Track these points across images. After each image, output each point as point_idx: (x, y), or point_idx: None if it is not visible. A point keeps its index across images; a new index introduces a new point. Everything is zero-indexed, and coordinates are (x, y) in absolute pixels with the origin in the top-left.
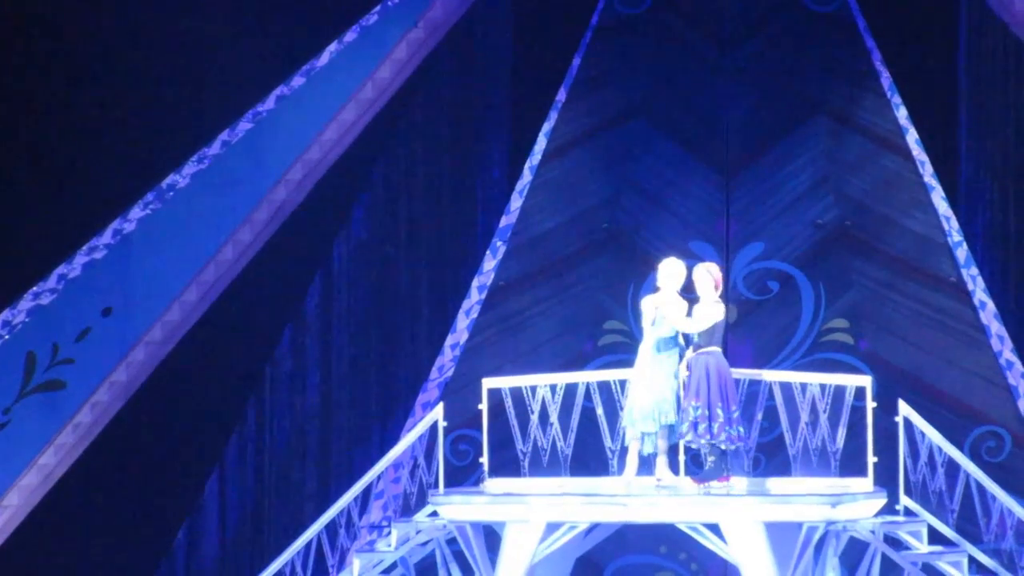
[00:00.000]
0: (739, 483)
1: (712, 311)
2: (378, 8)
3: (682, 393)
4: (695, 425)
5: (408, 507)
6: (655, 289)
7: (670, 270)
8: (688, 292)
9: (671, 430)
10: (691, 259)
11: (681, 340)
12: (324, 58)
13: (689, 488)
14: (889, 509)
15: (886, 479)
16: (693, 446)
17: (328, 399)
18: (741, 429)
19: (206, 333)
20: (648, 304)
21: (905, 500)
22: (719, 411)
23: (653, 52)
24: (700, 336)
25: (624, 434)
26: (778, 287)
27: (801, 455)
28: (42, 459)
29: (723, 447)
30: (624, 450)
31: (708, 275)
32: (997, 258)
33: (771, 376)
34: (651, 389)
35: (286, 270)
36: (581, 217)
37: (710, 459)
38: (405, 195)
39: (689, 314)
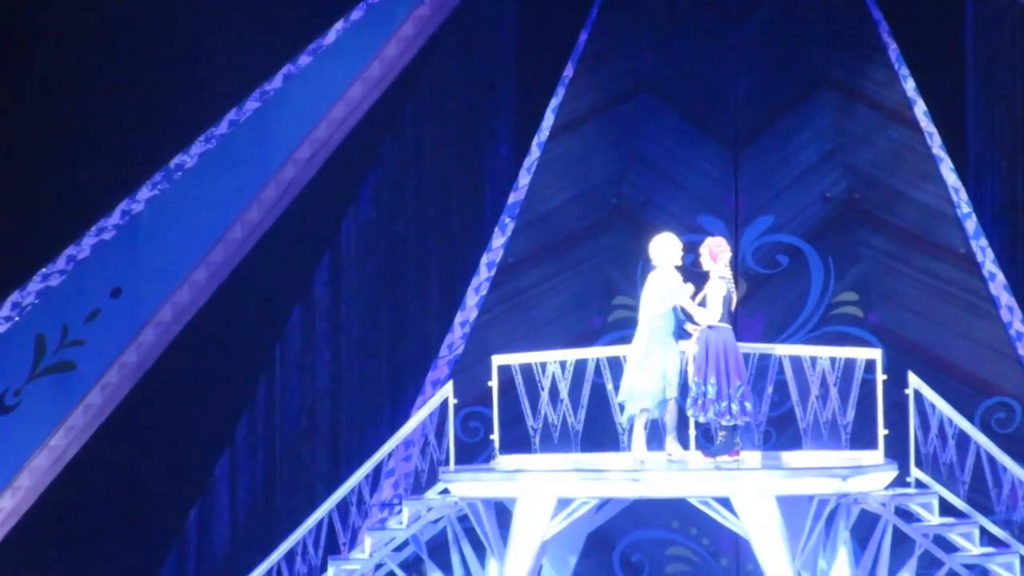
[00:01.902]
0: (749, 457)
1: (715, 288)
2: None
3: (691, 369)
4: (703, 401)
5: (419, 485)
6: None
7: (666, 247)
8: (696, 267)
9: (676, 405)
10: (700, 234)
11: (681, 314)
12: (331, 36)
13: (700, 463)
14: (900, 481)
15: (897, 451)
16: (701, 420)
17: (338, 378)
18: (748, 404)
19: (215, 313)
20: (658, 284)
21: (916, 472)
22: (727, 387)
23: (660, 26)
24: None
25: (623, 411)
26: (787, 261)
27: (812, 428)
28: (52, 441)
29: (725, 423)
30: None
31: (704, 250)
32: (1006, 229)
33: (781, 350)
34: (652, 365)
35: (295, 249)
36: (589, 193)
37: (721, 434)
38: (413, 173)
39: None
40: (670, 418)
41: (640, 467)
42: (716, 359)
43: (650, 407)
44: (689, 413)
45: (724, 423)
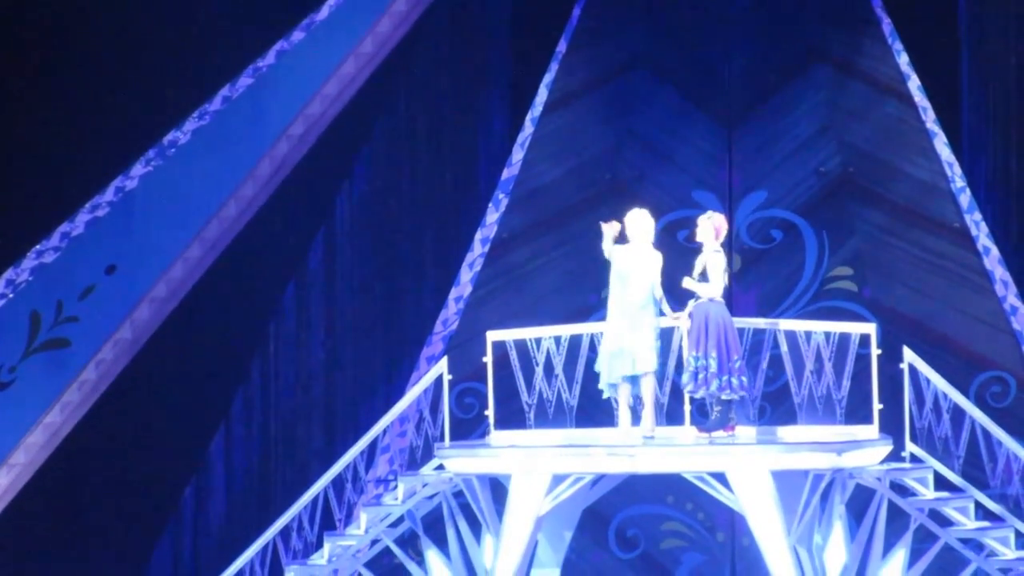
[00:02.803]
0: (744, 432)
1: (715, 261)
2: None
3: (685, 343)
4: (704, 375)
5: (414, 461)
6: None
7: (646, 222)
8: (690, 242)
9: (654, 380)
10: (694, 209)
11: (658, 292)
12: (323, 12)
13: (695, 438)
14: (895, 456)
15: (891, 426)
16: (696, 396)
17: (333, 354)
18: (744, 379)
19: (210, 290)
20: (650, 259)
21: (911, 447)
22: (727, 360)
23: (653, 1)
24: (686, 279)
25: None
26: (781, 236)
27: (806, 403)
28: (48, 418)
29: (726, 397)
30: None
31: (709, 224)
32: (1000, 203)
33: (776, 324)
34: (633, 337)
35: (289, 225)
36: (583, 168)
37: (716, 409)
38: (407, 149)
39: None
40: (648, 395)
41: (643, 441)
42: (717, 333)
43: (630, 374)
44: (688, 389)
45: (724, 397)
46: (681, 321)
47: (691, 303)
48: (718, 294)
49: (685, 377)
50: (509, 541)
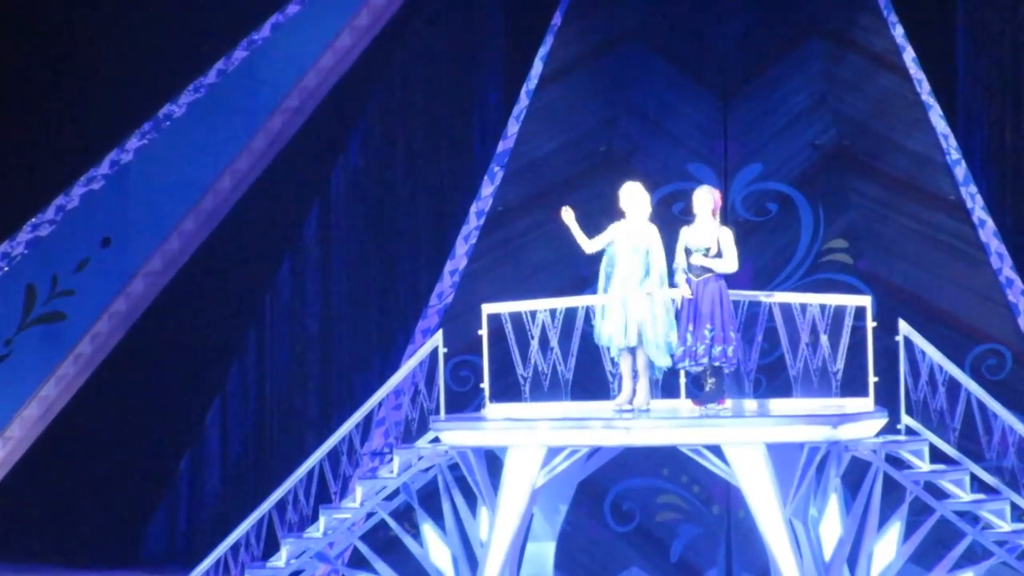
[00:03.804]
0: (737, 405)
1: (727, 237)
2: None
3: (690, 318)
4: (703, 346)
5: (410, 434)
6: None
7: (645, 197)
8: (686, 215)
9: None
10: (690, 182)
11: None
12: None
13: (689, 411)
14: (890, 429)
15: (887, 399)
16: (693, 371)
17: (328, 327)
18: (739, 352)
19: (205, 263)
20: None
21: (906, 419)
22: (722, 332)
23: None
24: (695, 256)
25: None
26: (776, 208)
27: (802, 376)
28: (43, 391)
29: (728, 369)
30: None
31: (710, 197)
32: (996, 175)
33: (771, 297)
34: (629, 311)
35: (284, 198)
36: (578, 141)
37: (710, 381)
38: (402, 122)
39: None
40: (643, 368)
41: (640, 413)
42: (712, 306)
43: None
44: (684, 365)
45: (721, 368)
46: (683, 292)
47: (691, 278)
48: (735, 268)
49: (679, 351)
50: (504, 514)
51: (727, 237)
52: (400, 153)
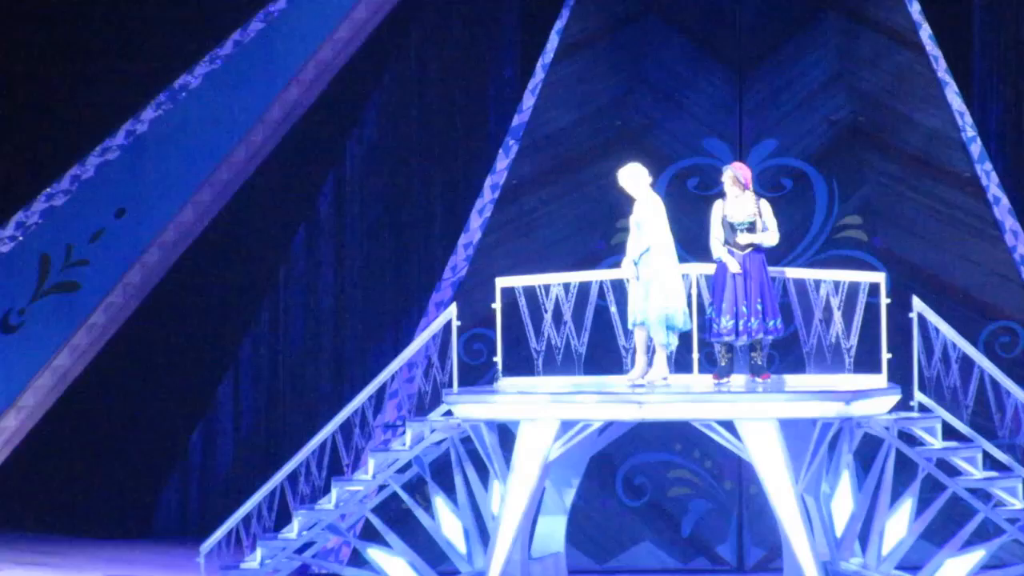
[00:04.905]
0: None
1: (768, 209)
2: None
3: (740, 292)
4: (757, 321)
5: (422, 406)
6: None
7: (626, 178)
8: (701, 190)
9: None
10: (705, 157)
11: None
12: None
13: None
14: (903, 405)
15: (900, 375)
16: (742, 343)
17: (342, 300)
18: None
19: (219, 234)
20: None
21: (919, 396)
22: (764, 307)
23: None
24: (743, 235)
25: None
26: (791, 184)
27: (815, 352)
28: (56, 360)
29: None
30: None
31: (743, 172)
32: (1011, 153)
33: (787, 273)
34: (674, 290)
35: (299, 171)
36: (594, 115)
37: (756, 354)
38: (417, 95)
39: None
40: (641, 342)
41: (655, 387)
42: (760, 279)
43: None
44: (742, 341)
45: (761, 338)
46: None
47: (735, 251)
48: (778, 240)
49: (729, 325)
50: (516, 487)
51: (769, 209)
52: (415, 126)
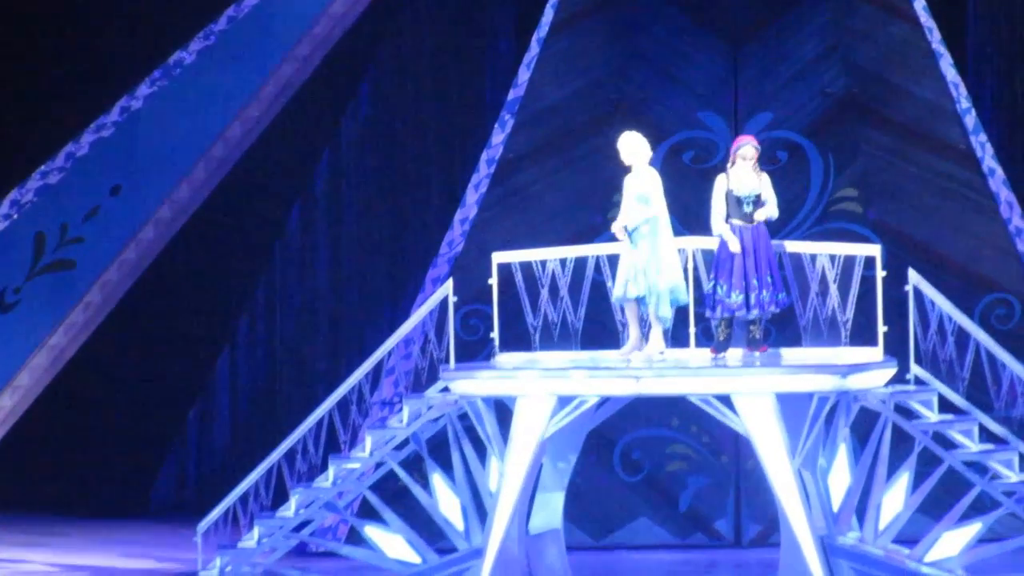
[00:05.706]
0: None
1: (768, 183)
2: None
3: (750, 266)
4: (768, 293)
5: (419, 383)
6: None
7: (622, 146)
8: (696, 163)
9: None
10: (700, 130)
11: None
12: None
13: (701, 360)
14: (899, 378)
15: (896, 348)
16: (754, 316)
17: (338, 276)
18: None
19: (215, 211)
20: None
21: (915, 369)
22: (774, 280)
23: None
24: (750, 207)
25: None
26: (786, 157)
27: (811, 326)
28: (52, 339)
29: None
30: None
31: (752, 146)
32: (1006, 125)
33: (781, 246)
34: (676, 265)
35: (294, 147)
36: (589, 89)
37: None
38: (412, 70)
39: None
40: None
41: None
42: (767, 252)
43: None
44: (753, 315)
45: (772, 310)
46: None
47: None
48: (774, 213)
49: (739, 300)
50: (513, 464)
51: (769, 183)
52: (410, 101)
